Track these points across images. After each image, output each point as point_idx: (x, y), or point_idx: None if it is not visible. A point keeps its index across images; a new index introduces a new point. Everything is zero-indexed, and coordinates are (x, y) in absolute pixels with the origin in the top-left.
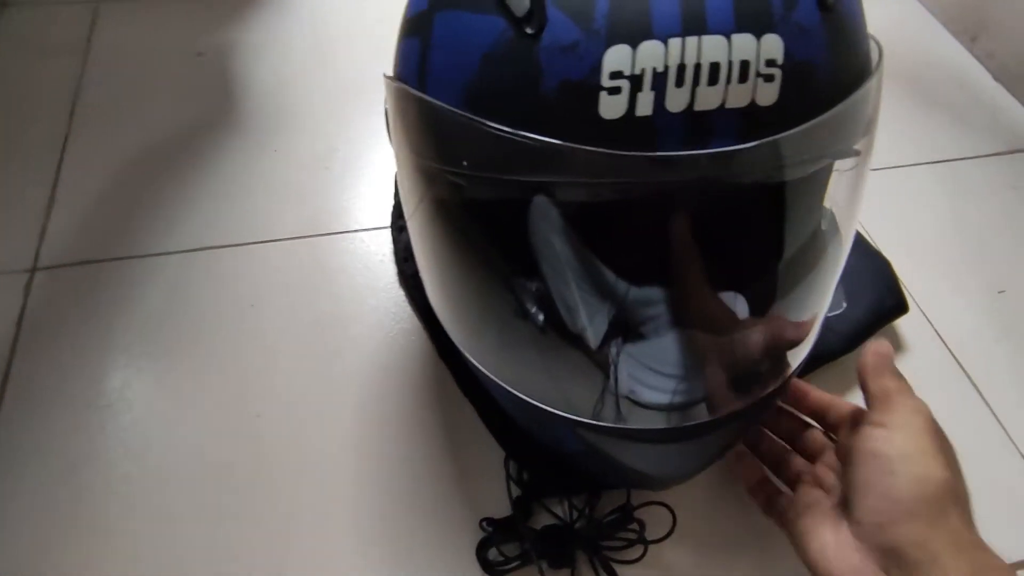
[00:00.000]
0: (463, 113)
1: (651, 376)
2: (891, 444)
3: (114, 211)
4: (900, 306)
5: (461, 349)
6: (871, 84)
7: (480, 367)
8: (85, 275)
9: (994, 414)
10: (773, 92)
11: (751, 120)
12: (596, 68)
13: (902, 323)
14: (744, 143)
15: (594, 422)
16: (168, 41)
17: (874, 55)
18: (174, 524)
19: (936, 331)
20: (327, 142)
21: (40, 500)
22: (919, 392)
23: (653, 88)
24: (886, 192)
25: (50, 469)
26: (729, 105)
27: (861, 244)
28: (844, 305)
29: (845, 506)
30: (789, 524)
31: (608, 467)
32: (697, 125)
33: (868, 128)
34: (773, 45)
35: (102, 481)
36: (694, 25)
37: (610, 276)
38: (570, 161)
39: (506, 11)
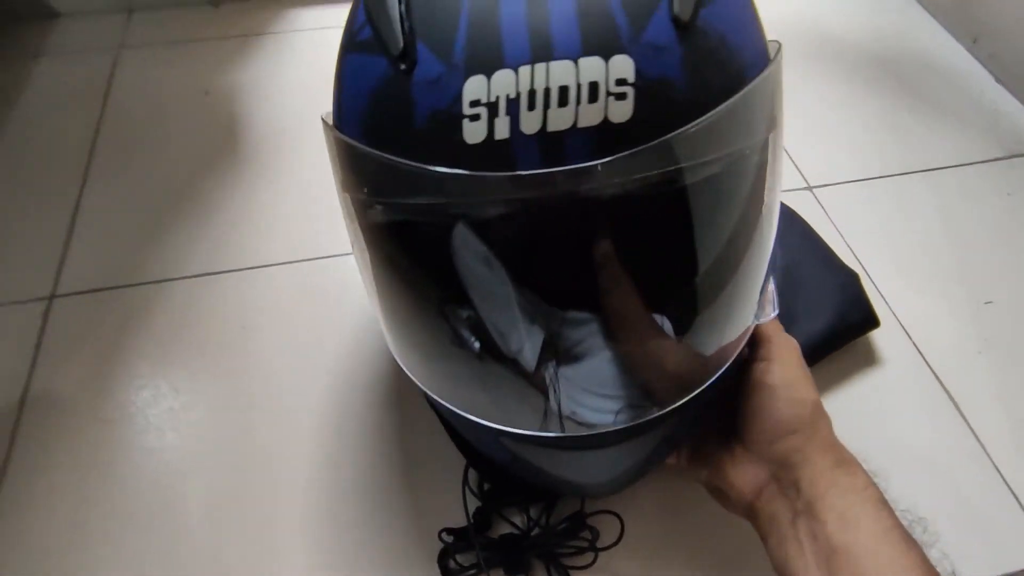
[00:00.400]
0: (354, 143)
1: (572, 387)
2: (774, 375)
3: (127, 241)
4: (867, 321)
5: (397, 359)
6: (754, 88)
7: (412, 376)
8: (99, 301)
9: (971, 428)
10: (626, 109)
11: (605, 137)
12: (457, 98)
13: (878, 336)
14: (602, 158)
15: (512, 429)
16: (178, 82)
17: (773, 53)
18: (161, 529)
19: (914, 344)
20: (316, 172)
21: (50, 505)
22: (894, 405)
23: (508, 113)
24: (875, 202)
25: (59, 478)
26: (581, 124)
27: (827, 258)
28: (775, 312)
29: (735, 431)
30: (693, 464)
31: (537, 476)
32: (551, 145)
33: (767, 127)
34: (623, 65)
35: (105, 488)
36: (542, 52)
37: (519, 296)
38: (440, 183)
39: (386, 51)
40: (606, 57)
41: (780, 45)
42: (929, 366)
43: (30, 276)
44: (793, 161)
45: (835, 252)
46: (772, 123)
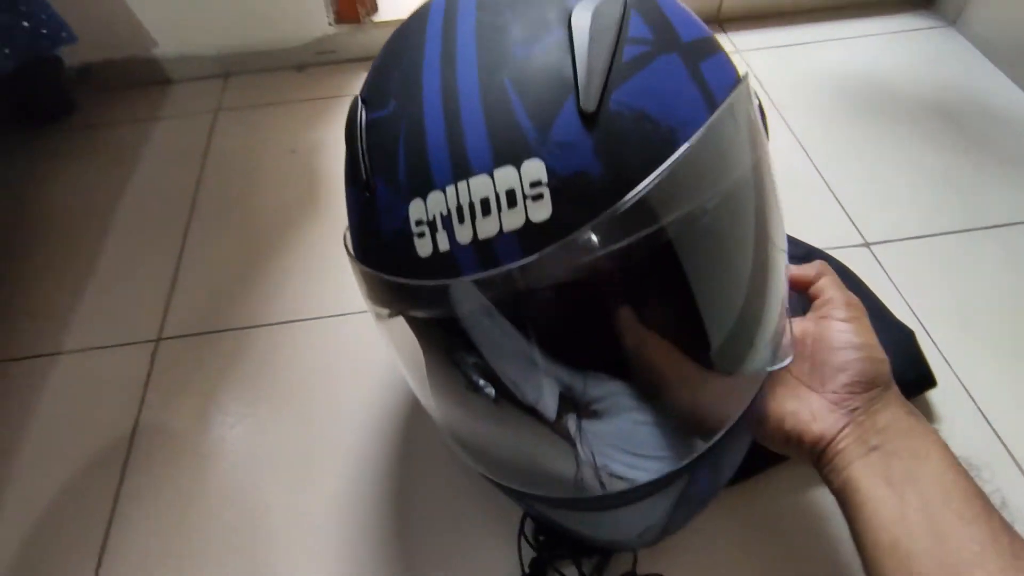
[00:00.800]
0: (354, 260)
1: (600, 445)
2: (855, 335)
3: (221, 290)
4: (924, 380)
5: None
6: (697, 145)
7: (455, 451)
8: (198, 344)
9: None
10: (545, 208)
11: (530, 236)
12: (405, 219)
13: (936, 395)
14: (528, 256)
15: (525, 490)
16: (268, 141)
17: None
18: (248, 554)
19: (977, 405)
20: None
21: (156, 528)
22: None
23: (444, 228)
24: (936, 260)
25: (163, 503)
26: (507, 229)
27: (880, 315)
28: (789, 359)
29: (811, 385)
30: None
31: (584, 536)
32: (484, 251)
33: (739, 167)
34: (534, 168)
35: (202, 514)
36: (461, 171)
37: (513, 370)
38: (402, 290)
39: (358, 183)
40: (517, 164)
41: (744, 78)
42: (993, 429)
43: (141, 320)
44: (850, 217)
45: (889, 309)
46: (750, 158)
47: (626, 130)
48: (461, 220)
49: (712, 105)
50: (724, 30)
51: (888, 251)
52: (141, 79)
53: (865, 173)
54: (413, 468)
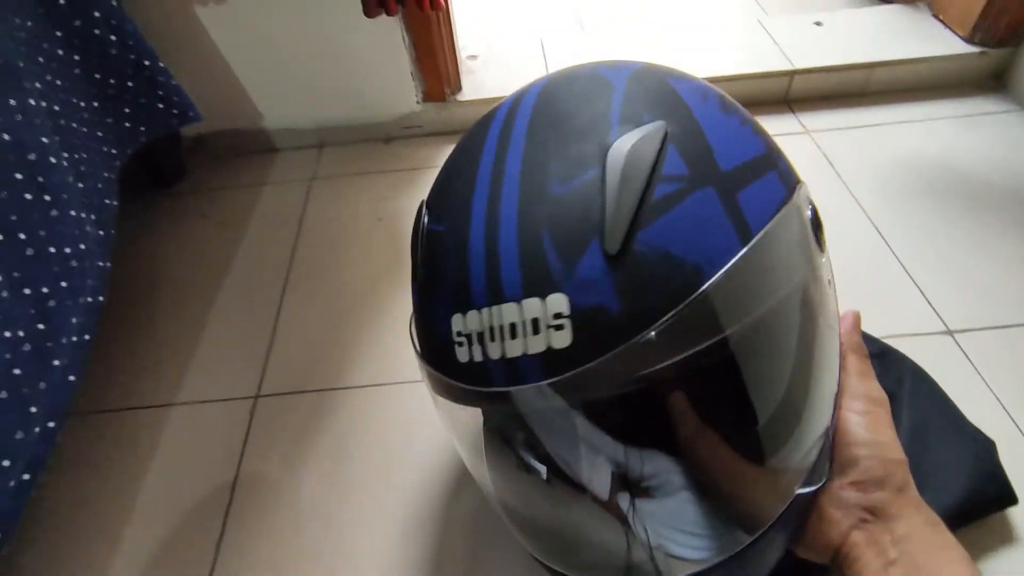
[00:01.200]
0: (415, 348)
1: (670, 532)
2: (866, 431)
3: (315, 350)
4: (1005, 497)
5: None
6: (722, 280)
7: (507, 523)
8: (292, 403)
9: None
10: (566, 337)
11: (551, 361)
12: (448, 330)
13: (1019, 513)
14: (548, 379)
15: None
16: (357, 209)
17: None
18: None
19: None
20: None
21: None
22: None
23: (479, 343)
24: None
25: (261, 557)
26: (530, 352)
27: (959, 423)
28: (822, 480)
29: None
30: None
31: None
32: (510, 367)
33: (772, 291)
34: (558, 302)
35: (297, 572)
36: (495, 297)
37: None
38: (449, 388)
39: (417, 284)
40: (543, 296)
41: (790, 200)
42: None
43: (241, 377)
44: (930, 303)
45: (968, 419)
46: (789, 283)
47: (647, 270)
48: (492, 339)
49: (746, 235)
50: (793, 111)
51: (972, 340)
52: (247, 148)
53: (943, 259)
54: (479, 536)
